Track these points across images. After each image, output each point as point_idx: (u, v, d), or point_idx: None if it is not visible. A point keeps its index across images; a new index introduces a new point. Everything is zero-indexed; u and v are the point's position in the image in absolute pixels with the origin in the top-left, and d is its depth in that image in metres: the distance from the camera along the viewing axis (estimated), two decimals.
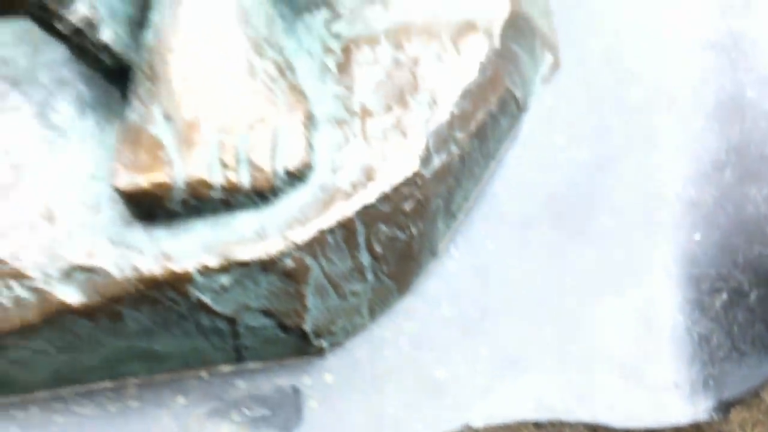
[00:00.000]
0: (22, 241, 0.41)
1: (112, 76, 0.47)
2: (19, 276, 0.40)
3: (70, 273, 0.40)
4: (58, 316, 0.41)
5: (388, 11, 0.55)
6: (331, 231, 0.42)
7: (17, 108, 0.49)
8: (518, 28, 0.56)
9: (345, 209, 0.43)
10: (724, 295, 0.46)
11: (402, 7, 0.55)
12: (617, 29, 0.62)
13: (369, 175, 0.44)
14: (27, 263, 0.41)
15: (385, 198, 0.44)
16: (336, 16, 0.54)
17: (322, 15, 0.54)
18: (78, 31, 0.43)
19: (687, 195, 0.50)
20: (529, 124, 0.57)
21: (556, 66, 0.60)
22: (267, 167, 0.42)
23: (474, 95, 0.50)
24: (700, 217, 0.49)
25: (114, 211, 0.42)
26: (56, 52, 0.52)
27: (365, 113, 0.48)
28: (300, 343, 0.44)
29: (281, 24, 0.51)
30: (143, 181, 0.40)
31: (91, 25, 0.43)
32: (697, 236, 0.48)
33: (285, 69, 0.47)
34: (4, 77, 0.51)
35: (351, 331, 0.46)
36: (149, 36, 0.45)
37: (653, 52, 0.60)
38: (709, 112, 0.55)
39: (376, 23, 0.54)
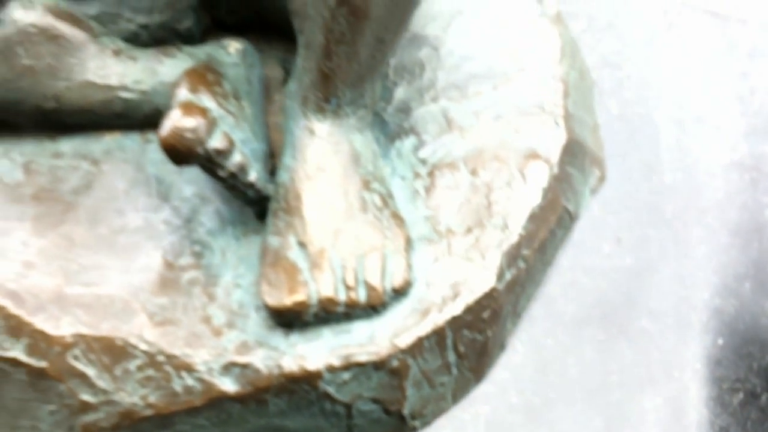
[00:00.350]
0: (190, 340, 0.53)
1: (248, 199, 0.59)
2: (189, 369, 0.52)
3: (228, 367, 0.52)
4: (217, 401, 0.52)
5: (465, 138, 0.66)
6: (427, 337, 0.54)
7: (169, 222, 0.61)
8: (572, 153, 0.67)
9: (437, 319, 0.54)
10: (741, 395, 0.56)
11: (476, 134, 0.66)
12: (656, 145, 0.73)
13: (455, 291, 0.55)
14: (195, 358, 0.52)
15: (468, 310, 0.55)
16: (422, 143, 0.65)
17: (410, 141, 0.65)
18: (233, 175, 0.55)
19: (713, 303, 0.61)
20: (579, 231, 0.67)
21: (602, 179, 0.70)
22: (378, 286, 0.53)
23: (537, 218, 0.61)
24: (723, 325, 0.59)
25: (258, 316, 0.54)
26: (197, 170, 0.64)
27: (450, 234, 0.59)
28: (398, 424, 0.55)
29: (379, 152, 0.63)
30: (287, 300, 0.51)
31: (243, 169, 0.55)
32: (720, 341, 0.58)
33: (387, 198, 0.58)
34: (157, 192, 0.63)
35: (438, 414, 0.57)
36: (284, 176, 0.56)
37: (686, 168, 0.70)
38: (732, 228, 0.65)
39: (455, 150, 0.65)
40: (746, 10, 0.96)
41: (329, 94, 0.56)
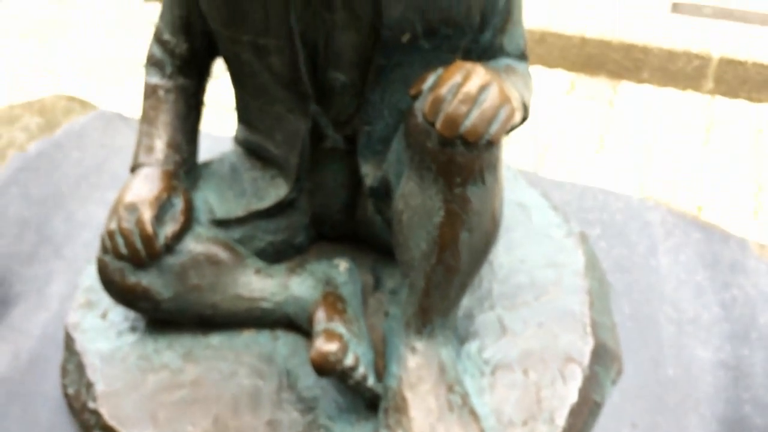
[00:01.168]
0: None
1: (362, 395, 0.79)
2: None
3: None
4: None
5: (517, 342, 0.87)
6: None
7: (299, 408, 0.81)
8: (598, 354, 0.88)
9: None
10: None
11: (525, 339, 0.87)
12: (660, 342, 0.94)
13: None
14: None
15: None
16: (484, 346, 0.86)
17: (476, 345, 0.86)
18: (357, 383, 0.75)
19: None
20: (604, 416, 0.87)
21: (620, 372, 0.91)
22: None
23: (575, 412, 0.81)
24: None
25: None
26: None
27: (511, 426, 0.79)
28: None
29: (455, 355, 0.83)
30: None
31: (365, 378, 0.76)
32: None
33: (466, 397, 0.78)
34: (287, 382, 0.83)
35: None
36: (392, 382, 0.77)
37: (684, 364, 0.91)
38: (720, 418, 0.85)
39: (510, 352, 0.86)
40: (728, 225, 1.19)
41: (426, 322, 0.77)
